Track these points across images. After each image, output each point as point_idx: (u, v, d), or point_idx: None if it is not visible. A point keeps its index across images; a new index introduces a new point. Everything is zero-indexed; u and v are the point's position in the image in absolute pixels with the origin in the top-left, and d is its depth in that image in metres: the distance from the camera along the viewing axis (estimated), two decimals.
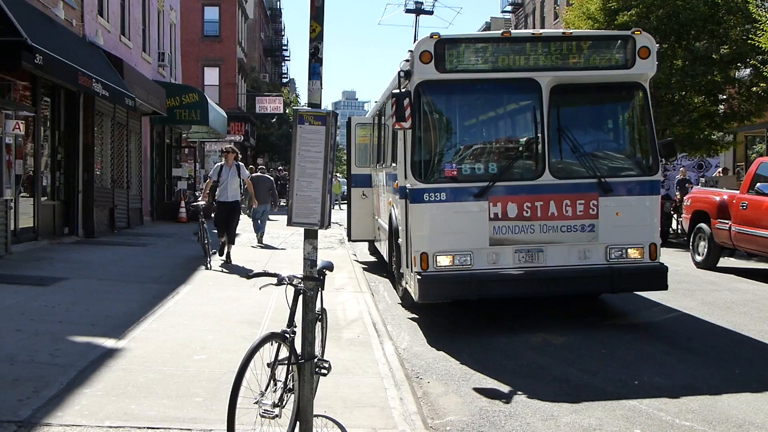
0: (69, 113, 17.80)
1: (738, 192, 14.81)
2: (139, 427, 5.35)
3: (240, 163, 14.93)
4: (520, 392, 6.86)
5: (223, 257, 14.63)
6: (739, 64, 24.83)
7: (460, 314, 10.42)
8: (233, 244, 14.82)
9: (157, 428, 5.35)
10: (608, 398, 6.68)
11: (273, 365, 4.83)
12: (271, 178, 21.84)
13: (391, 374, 7.10)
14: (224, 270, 13.66)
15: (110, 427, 5.34)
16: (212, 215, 16.03)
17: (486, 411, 6.37)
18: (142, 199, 24.48)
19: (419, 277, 9.00)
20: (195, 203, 16.60)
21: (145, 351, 7.49)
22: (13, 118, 14.41)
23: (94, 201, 18.61)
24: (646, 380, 7.25)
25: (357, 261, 16.16)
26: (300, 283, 4.98)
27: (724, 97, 26.13)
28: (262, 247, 18.24)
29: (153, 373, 6.74)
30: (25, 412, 5.51)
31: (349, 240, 16.99)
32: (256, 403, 4.70)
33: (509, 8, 65.70)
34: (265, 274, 5.18)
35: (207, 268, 13.61)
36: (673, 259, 14.94)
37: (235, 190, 14.54)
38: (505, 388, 7.01)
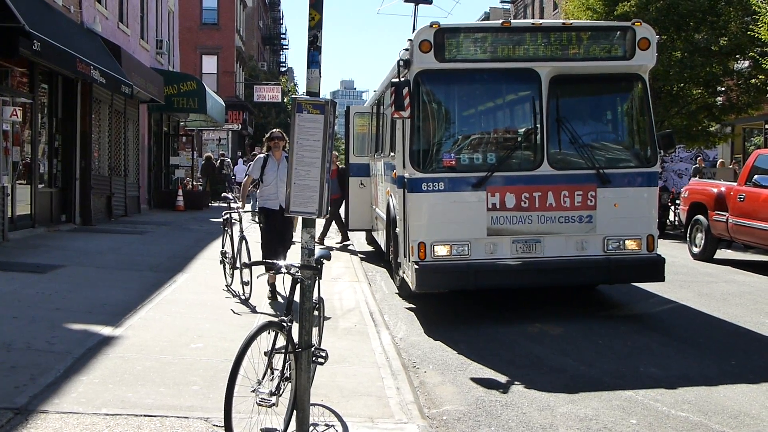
0: (67, 100, 17.74)
1: (735, 184, 14.82)
2: (136, 415, 5.36)
3: None
4: (516, 382, 6.87)
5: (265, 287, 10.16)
6: (738, 56, 24.79)
7: (457, 304, 10.43)
8: (278, 272, 11.18)
9: (154, 416, 5.36)
10: (605, 389, 6.70)
11: (270, 354, 4.83)
12: None
13: (387, 363, 7.11)
14: (272, 310, 9.31)
15: (107, 414, 5.35)
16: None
17: (483, 401, 6.38)
18: (140, 187, 24.45)
19: (417, 266, 9.00)
20: (233, 210, 11.05)
21: (142, 339, 7.49)
22: (11, 104, 14.37)
23: (91, 189, 18.57)
24: (642, 371, 7.26)
25: (355, 250, 16.15)
26: (297, 272, 4.98)
27: (723, 89, 26.10)
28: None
29: (150, 361, 6.75)
30: (22, 399, 5.51)
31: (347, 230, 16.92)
32: (253, 391, 4.70)
33: None
34: (263, 262, 5.17)
35: (242, 300, 9.75)
36: (670, 250, 14.95)
37: (282, 191, 10.03)
38: (501, 378, 7.02)
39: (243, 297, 9.78)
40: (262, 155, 10.29)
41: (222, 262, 10.86)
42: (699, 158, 23.00)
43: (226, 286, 10.47)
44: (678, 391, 6.64)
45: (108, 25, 20.70)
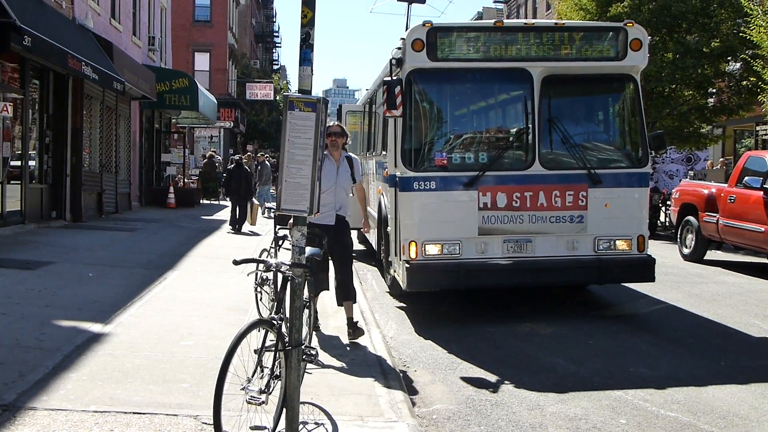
0: (58, 96, 17.66)
1: (726, 185, 14.87)
2: (125, 412, 5.34)
3: (353, 155, 8.56)
4: (506, 381, 6.88)
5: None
6: (729, 58, 24.89)
7: (447, 303, 10.43)
8: (354, 301, 8.34)
9: (143, 413, 5.34)
10: (594, 388, 6.71)
11: (260, 352, 4.83)
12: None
13: (378, 362, 7.11)
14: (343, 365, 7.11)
15: (96, 411, 5.32)
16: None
17: (473, 400, 6.38)
18: (131, 184, 24.37)
19: (408, 265, 9.00)
20: (283, 226, 8.40)
21: (132, 336, 7.47)
22: (2, 100, 14.31)
23: (82, 185, 18.49)
24: (632, 371, 7.28)
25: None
26: (288, 270, 4.97)
27: (714, 90, 26.20)
28: (250, 234, 18.19)
29: (139, 358, 6.72)
30: (10, 396, 5.48)
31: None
32: (242, 389, 4.69)
33: None
34: (254, 260, 5.16)
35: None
36: (660, 251, 14.98)
37: (344, 201, 8.24)
38: (491, 378, 7.03)
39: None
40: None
41: (257, 289, 8.41)
42: (691, 171, 23.06)
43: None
44: (667, 391, 6.65)
45: (100, 21, 20.63)
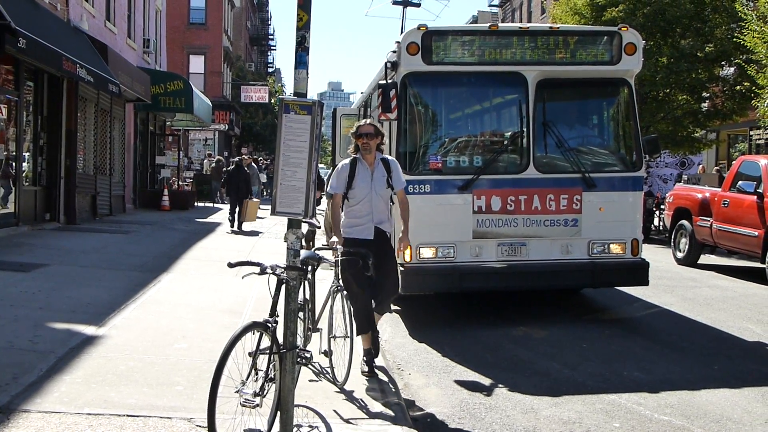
0: (52, 98, 17.62)
1: (720, 190, 14.92)
2: (119, 415, 5.33)
3: (390, 157, 7.57)
4: (500, 385, 6.89)
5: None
6: (723, 63, 24.95)
7: (442, 306, 10.44)
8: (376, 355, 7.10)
9: (137, 416, 5.33)
10: (588, 392, 6.72)
11: (254, 354, 4.82)
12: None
13: (383, 360, 7.11)
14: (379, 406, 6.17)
15: (89, 414, 5.31)
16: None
17: (467, 403, 6.39)
18: (125, 186, 24.32)
19: (402, 268, 9.00)
20: (325, 247, 7.23)
21: (126, 339, 7.45)
22: None
23: (76, 187, 18.44)
24: (625, 375, 7.30)
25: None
26: (283, 272, 4.97)
27: (708, 95, 26.26)
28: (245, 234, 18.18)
29: (133, 361, 6.71)
30: (4, 398, 5.47)
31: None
32: (237, 392, 4.69)
33: (496, 2, 65.70)
34: (248, 263, 5.16)
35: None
36: (654, 255, 15.03)
37: (384, 213, 7.17)
38: (486, 381, 7.04)
39: (328, 375, 6.59)
40: (346, 161, 7.25)
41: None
42: (684, 177, 23.13)
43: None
44: (661, 394, 6.67)
45: (95, 24, 20.61)
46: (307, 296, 6.57)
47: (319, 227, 7.24)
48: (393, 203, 7.30)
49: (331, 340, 6.64)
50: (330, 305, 6.77)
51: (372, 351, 6.94)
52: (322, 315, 6.85)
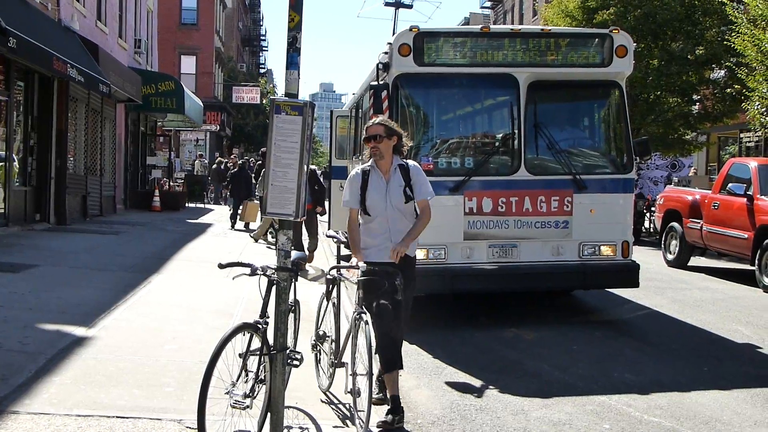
0: (43, 98, 17.55)
1: (710, 192, 14.98)
2: (108, 416, 5.31)
3: (411, 162, 6.25)
4: (491, 386, 6.90)
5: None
6: (713, 66, 25.07)
7: (432, 308, 10.42)
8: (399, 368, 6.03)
9: (127, 417, 5.31)
10: (578, 393, 6.74)
11: (245, 356, 4.81)
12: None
13: (363, 367, 7.09)
14: None
15: (79, 415, 5.29)
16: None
17: (457, 405, 6.39)
18: (116, 186, 24.23)
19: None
20: (346, 266, 6.15)
21: (116, 340, 7.43)
22: None
23: (66, 188, 18.37)
24: (615, 376, 7.31)
25: (334, 253, 16.13)
26: (273, 273, 4.96)
27: (699, 97, 26.38)
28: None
29: (123, 362, 6.69)
30: None
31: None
32: (227, 393, 4.68)
33: (488, 4, 65.80)
34: (239, 264, 5.15)
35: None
36: (644, 257, 15.06)
37: (405, 229, 6.06)
38: (476, 383, 7.04)
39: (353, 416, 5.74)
40: (358, 169, 6.15)
41: (315, 347, 6.62)
42: (674, 178, 23.23)
43: (322, 391, 6.39)
44: (651, 396, 6.69)
45: (86, 24, 20.54)
46: (325, 311, 6.09)
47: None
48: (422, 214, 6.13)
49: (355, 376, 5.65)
50: (352, 335, 5.87)
51: (398, 399, 5.75)
52: (346, 348, 6.01)
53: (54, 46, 15.13)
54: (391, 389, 5.74)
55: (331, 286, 6.45)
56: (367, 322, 5.57)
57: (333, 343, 6.28)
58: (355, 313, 5.86)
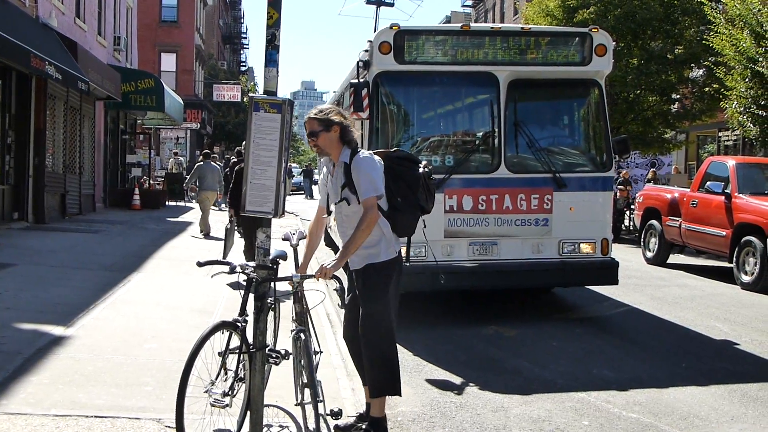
0: (20, 96, 17.39)
1: (689, 190, 15.10)
2: (87, 416, 5.27)
3: (362, 154, 5.35)
4: (471, 384, 6.91)
5: None
6: (692, 65, 25.29)
7: (413, 306, 10.41)
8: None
9: (105, 417, 5.28)
10: (558, 390, 6.77)
11: (224, 354, 4.79)
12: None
13: (343, 365, 7.10)
14: None
15: (56, 415, 5.26)
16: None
17: (437, 402, 6.40)
18: (95, 185, 24.06)
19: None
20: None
21: (95, 339, 7.38)
22: None
23: (45, 186, 18.21)
24: (595, 373, 7.35)
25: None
26: (252, 272, 4.94)
27: (678, 96, 26.58)
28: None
29: (102, 361, 6.65)
30: None
31: None
32: (206, 392, 4.66)
33: (470, 2, 65.98)
34: (217, 262, 5.13)
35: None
36: (624, 254, 15.17)
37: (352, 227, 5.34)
38: (456, 380, 7.05)
39: None
40: (367, 153, 5.45)
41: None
42: (653, 170, 23.39)
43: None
44: (629, 392, 6.73)
45: (64, 21, 20.37)
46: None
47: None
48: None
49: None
50: (294, 356, 5.54)
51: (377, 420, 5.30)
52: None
53: (31, 43, 14.99)
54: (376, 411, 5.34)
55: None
56: (304, 340, 5.25)
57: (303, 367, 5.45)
58: (294, 333, 5.46)
